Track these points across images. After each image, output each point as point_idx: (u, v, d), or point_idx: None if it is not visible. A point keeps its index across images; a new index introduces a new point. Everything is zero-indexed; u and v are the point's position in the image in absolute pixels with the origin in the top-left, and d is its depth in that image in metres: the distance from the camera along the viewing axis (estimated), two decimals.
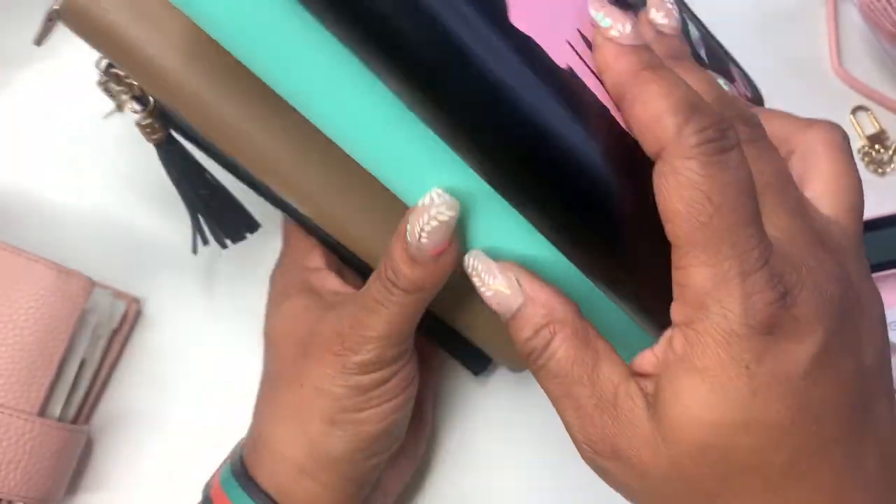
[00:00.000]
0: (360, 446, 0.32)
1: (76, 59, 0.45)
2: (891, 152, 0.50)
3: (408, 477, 0.39)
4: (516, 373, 0.42)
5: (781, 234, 0.23)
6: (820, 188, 0.26)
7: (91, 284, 0.38)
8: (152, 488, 0.40)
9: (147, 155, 0.36)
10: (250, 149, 0.32)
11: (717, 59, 0.39)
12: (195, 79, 0.31)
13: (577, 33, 0.25)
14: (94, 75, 0.34)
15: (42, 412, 0.36)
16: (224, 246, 0.39)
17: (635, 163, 0.24)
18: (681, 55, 0.27)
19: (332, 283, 0.36)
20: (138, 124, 0.34)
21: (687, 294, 0.23)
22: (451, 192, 0.26)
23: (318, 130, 0.27)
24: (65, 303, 0.37)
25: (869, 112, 0.50)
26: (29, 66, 0.45)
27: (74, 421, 0.39)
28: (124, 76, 0.33)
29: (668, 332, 0.24)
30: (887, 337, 0.26)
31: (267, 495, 0.32)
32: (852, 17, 0.52)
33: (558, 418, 0.26)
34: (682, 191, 0.22)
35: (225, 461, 0.36)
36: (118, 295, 0.41)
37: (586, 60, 0.25)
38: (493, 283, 0.26)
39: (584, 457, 0.25)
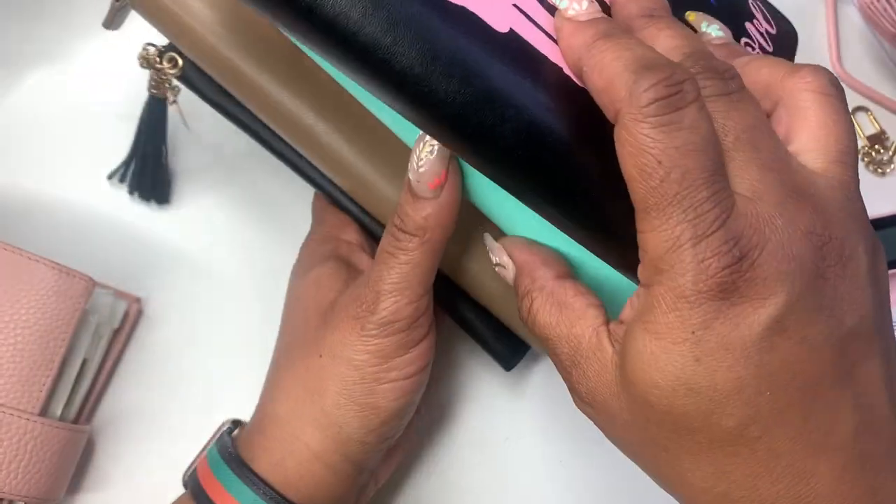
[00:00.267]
0: (373, 425, 0.33)
1: (77, 59, 0.45)
2: (891, 153, 0.49)
3: (395, 466, 0.39)
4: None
5: (749, 192, 0.23)
6: (805, 138, 0.25)
7: (92, 284, 0.38)
8: (153, 488, 0.40)
9: None
10: (301, 130, 0.35)
11: None
12: (249, 60, 0.34)
13: None
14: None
15: (43, 412, 0.36)
16: (130, 192, 0.43)
17: (600, 123, 0.24)
18: (655, 12, 0.27)
19: (363, 261, 0.37)
20: (155, 74, 0.37)
21: (645, 258, 0.23)
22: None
23: (354, 102, 0.30)
24: (66, 302, 0.37)
25: (869, 112, 0.50)
26: (30, 68, 0.45)
27: (76, 421, 0.39)
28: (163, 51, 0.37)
29: (639, 289, 0.24)
30: (886, 293, 0.24)
31: (263, 481, 0.32)
32: (852, 17, 0.52)
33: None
34: (635, 155, 0.22)
35: (202, 451, 0.35)
36: (119, 295, 0.41)
37: (537, 21, 0.25)
38: (500, 259, 0.30)
39: (576, 406, 0.27)
